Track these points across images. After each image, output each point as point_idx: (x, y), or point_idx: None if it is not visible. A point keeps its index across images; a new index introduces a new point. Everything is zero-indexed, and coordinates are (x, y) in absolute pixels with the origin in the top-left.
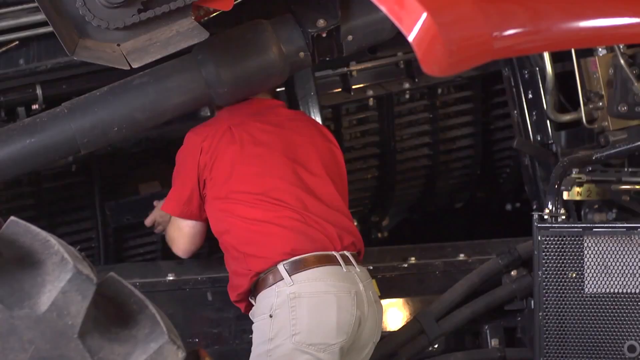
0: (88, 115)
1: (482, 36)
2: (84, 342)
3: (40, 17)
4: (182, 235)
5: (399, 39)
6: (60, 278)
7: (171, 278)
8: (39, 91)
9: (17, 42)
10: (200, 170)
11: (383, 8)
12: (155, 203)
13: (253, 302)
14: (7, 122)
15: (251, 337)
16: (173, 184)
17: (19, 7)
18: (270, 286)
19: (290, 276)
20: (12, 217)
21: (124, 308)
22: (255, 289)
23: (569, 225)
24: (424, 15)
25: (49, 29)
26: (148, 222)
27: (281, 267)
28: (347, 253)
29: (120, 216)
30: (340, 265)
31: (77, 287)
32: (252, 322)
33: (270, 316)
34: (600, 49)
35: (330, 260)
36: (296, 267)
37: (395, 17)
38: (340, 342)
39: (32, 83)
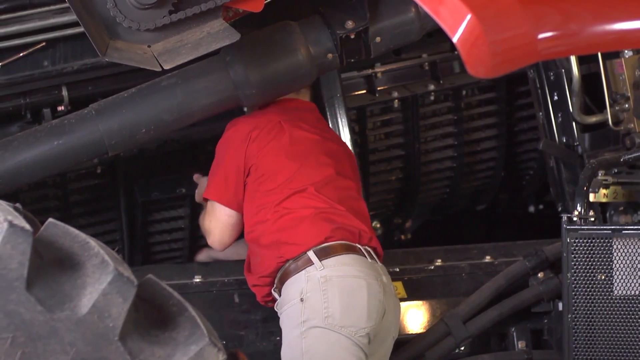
0: (116, 117)
1: (527, 37)
2: (124, 344)
3: (66, 18)
4: (220, 225)
5: (423, 40)
6: (101, 280)
7: (198, 280)
8: (64, 92)
9: (43, 44)
10: (247, 158)
11: (427, 8)
12: (195, 178)
13: (277, 295)
14: (32, 124)
15: (278, 339)
16: (215, 172)
17: (46, 8)
18: (299, 271)
19: (320, 261)
20: (50, 219)
21: (163, 310)
22: (281, 278)
23: (599, 227)
24: (469, 16)
25: (75, 30)
26: (197, 198)
27: (311, 253)
28: (369, 249)
29: (148, 192)
30: (365, 256)
31: (118, 289)
32: (279, 324)
33: (302, 300)
34: (626, 51)
35: (354, 250)
36: (326, 253)
37: (439, 17)
38: (369, 327)
39: (58, 84)
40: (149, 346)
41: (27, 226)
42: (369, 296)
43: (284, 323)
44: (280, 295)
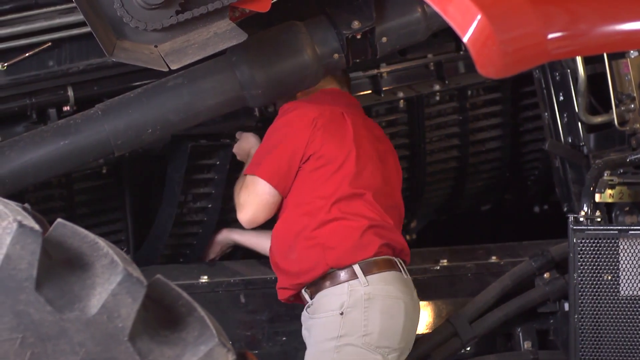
0: (122, 117)
1: (538, 37)
2: (134, 344)
3: (72, 18)
4: (258, 201)
5: (429, 40)
6: (111, 280)
7: (204, 280)
8: (70, 93)
9: (49, 44)
10: (309, 144)
11: (436, 8)
12: (237, 134)
13: (307, 297)
14: (38, 124)
15: (284, 340)
16: (270, 151)
17: (51, 8)
18: (342, 284)
19: (365, 276)
20: (59, 219)
21: (172, 311)
22: (318, 283)
23: (605, 227)
24: (479, 16)
25: (81, 30)
26: (235, 150)
27: (357, 267)
28: (401, 261)
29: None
30: (402, 271)
31: (128, 289)
32: (285, 324)
33: (341, 314)
34: (632, 51)
35: (394, 266)
36: (370, 269)
37: (449, 17)
38: (401, 348)
39: (64, 85)
40: (158, 346)
41: (37, 226)
42: (405, 318)
43: (315, 330)
44: (310, 297)
